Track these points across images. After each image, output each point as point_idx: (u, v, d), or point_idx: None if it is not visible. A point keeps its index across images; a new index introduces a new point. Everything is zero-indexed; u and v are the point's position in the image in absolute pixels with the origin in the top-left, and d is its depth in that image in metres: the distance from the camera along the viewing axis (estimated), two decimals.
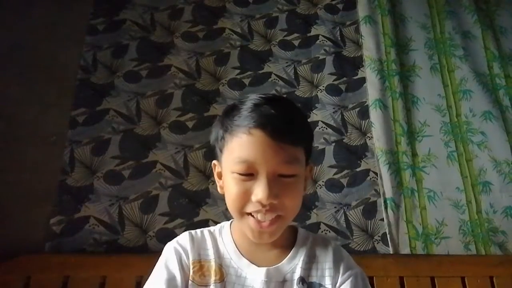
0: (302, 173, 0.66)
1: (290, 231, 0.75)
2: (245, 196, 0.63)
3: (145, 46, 1.75)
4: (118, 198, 1.47)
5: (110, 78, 1.66)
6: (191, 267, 0.68)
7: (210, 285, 0.67)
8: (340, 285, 0.69)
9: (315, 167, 1.62)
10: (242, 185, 0.63)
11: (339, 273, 0.70)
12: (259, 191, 0.61)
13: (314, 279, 0.69)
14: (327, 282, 0.69)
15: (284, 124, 0.63)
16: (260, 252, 0.70)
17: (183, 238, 0.73)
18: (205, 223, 1.45)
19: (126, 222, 1.44)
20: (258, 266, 0.68)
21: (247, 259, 0.70)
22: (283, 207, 0.63)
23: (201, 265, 0.69)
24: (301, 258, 0.70)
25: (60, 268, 1.28)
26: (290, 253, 0.71)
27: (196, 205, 1.50)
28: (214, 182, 1.53)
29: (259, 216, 0.63)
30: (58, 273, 1.27)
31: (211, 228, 0.77)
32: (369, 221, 1.56)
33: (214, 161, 0.73)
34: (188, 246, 0.71)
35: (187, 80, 1.72)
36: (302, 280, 0.68)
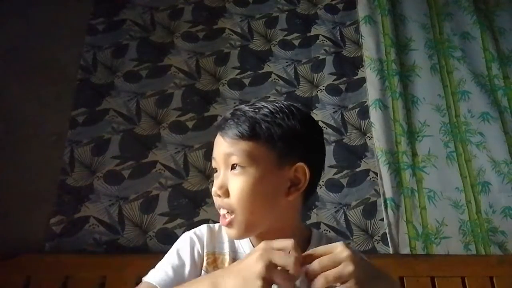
0: (256, 167, 0.65)
1: (304, 233, 0.74)
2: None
3: (145, 46, 1.75)
4: (118, 198, 1.47)
5: (110, 78, 1.66)
6: (205, 258, 0.71)
7: None
8: None
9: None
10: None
11: None
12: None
13: None
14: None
15: (230, 121, 0.67)
16: None
17: (201, 230, 0.75)
18: (205, 223, 1.45)
19: (126, 222, 1.44)
20: None
21: None
22: (233, 200, 0.65)
23: (215, 257, 0.71)
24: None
25: (60, 268, 1.28)
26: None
27: (196, 205, 1.50)
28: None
29: (217, 208, 0.68)
30: (58, 273, 1.27)
31: None
32: (369, 221, 1.56)
33: None
34: (204, 238, 0.73)
35: (187, 80, 1.72)
36: None
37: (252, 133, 0.65)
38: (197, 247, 0.71)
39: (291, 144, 0.67)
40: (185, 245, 0.72)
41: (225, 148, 0.66)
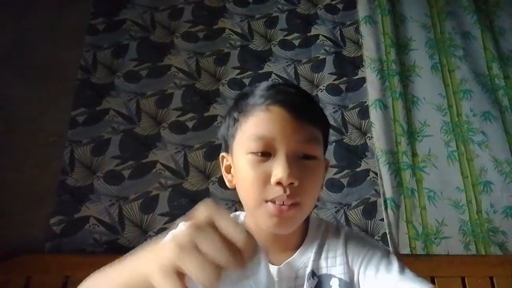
0: (321, 159, 0.62)
1: (303, 223, 0.69)
2: (263, 180, 0.57)
3: (145, 46, 1.75)
4: (118, 198, 1.47)
5: (110, 78, 1.66)
6: None
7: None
8: (365, 269, 0.63)
9: None
10: (259, 167, 0.57)
11: (353, 261, 0.64)
12: (279, 170, 0.55)
13: (324, 270, 0.64)
14: (339, 271, 0.63)
15: (303, 101, 0.61)
16: (275, 248, 0.65)
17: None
18: None
19: (126, 222, 1.44)
20: (272, 264, 0.63)
21: None
22: (303, 192, 0.57)
23: None
24: (313, 250, 0.65)
25: (60, 268, 1.28)
26: (301, 247, 0.66)
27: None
28: (214, 182, 1.54)
29: (278, 201, 0.57)
30: (58, 273, 1.27)
31: None
32: (369, 221, 1.56)
33: (223, 154, 0.68)
34: None
35: (187, 80, 1.72)
36: (312, 274, 0.63)
37: (320, 119, 0.62)
38: None
39: (327, 135, 0.66)
40: None
41: (302, 133, 0.58)
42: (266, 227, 0.60)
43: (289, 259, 0.64)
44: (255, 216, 0.62)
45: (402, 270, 0.62)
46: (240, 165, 0.60)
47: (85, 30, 1.73)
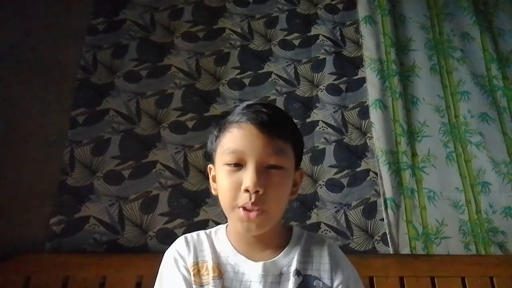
0: (289, 169, 0.69)
1: (285, 230, 0.78)
2: (235, 188, 0.65)
3: (145, 46, 1.75)
4: (118, 198, 1.47)
5: (110, 78, 1.66)
6: (191, 270, 0.70)
7: (209, 283, 0.68)
8: (338, 286, 0.71)
9: (316, 167, 1.62)
10: (232, 176, 0.66)
11: (337, 273, 0.72)
12: (247, 179, 0.64)
13: (309, 272, 0.71)
14: (324, 276, 0.71)
15: (273, 119, 0.67)
16: (256, 249, 0.72)
17: (180, 245, 0.74)
18: (205, 223, 1.45)
19: (126, 222, 1.44)
20: (255, 262, 0.70)
21: (244, 256, 0.71)
22: (268, 199, 0.65)
23: (199, 267, 0.70)
24: (297, 252, 0.72)
25: (60, 268, 1.28)
26: (286, 248, 0.73)
27: (196, 205, 1.50)
28: None
29: (247, 206, 0.65)
30: (58, 273, 1.27)
31: (207, 230, 0.79)
32: (369, 221, 1.56)
33: (210, 165, 0.77)
34: (185, 252, 0.72)
35: (187, 80, 1.72)
36: (297, 272, 0.70)
37: (289, 134, 0.69)
38: (181, 263, 0.71)
39: (300, 149, 0.74)
40: (171, 266, 0.71)
41: (270, 146, 0.66)
42: (238, 230, 0.69)
43: (274, 259, 0.71)
44: (231, 220, 0.72)
45: None
46: (218, 175, 0.70)
47: (85, 30, 1.73)
